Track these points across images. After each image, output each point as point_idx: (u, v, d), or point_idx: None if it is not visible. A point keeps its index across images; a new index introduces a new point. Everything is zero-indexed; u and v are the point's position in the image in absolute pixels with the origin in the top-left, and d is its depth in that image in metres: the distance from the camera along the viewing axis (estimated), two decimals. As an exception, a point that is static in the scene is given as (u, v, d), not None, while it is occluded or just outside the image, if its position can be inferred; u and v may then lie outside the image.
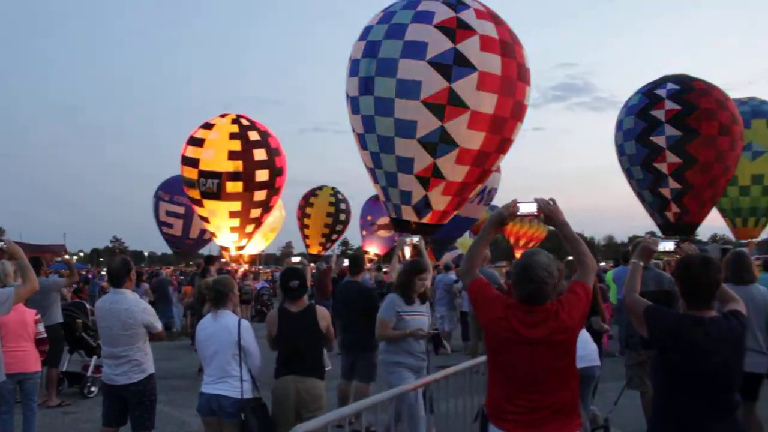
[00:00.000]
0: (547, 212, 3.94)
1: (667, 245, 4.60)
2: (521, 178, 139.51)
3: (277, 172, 20.64)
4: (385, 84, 13.97)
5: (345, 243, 67.28)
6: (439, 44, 13.74)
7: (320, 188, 33.46)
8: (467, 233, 26.34)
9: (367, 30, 14.79)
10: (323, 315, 6.23)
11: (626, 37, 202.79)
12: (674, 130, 18.93)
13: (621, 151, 20.35)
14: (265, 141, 20.56)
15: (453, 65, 13.66)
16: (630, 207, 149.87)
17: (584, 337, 6.26)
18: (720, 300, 3.99)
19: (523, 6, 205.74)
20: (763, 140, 22.49)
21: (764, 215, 23.90)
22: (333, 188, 33.50)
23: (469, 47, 13.75)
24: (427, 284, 7.08)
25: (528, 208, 3.94)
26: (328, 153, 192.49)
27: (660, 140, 19.08)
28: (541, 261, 3.73)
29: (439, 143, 13.93)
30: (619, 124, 20.41)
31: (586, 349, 6.21)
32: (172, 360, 14.16)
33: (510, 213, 4.00)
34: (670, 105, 19.07)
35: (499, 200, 27.68)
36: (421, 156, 14.06)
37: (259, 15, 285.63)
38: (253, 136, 20.40)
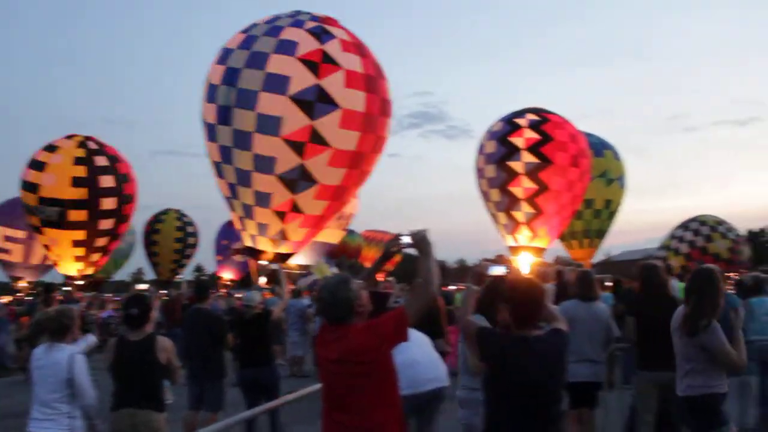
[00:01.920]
0: (420, 243, 3.98)
1: (498, 270, 4.73)
2: (378, 203, 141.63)
3: (125, 199, 18.98)
4: (244, 117, 12.88)
5: (199, 268, 64.69)
6: (302, 79, 12.78)
7: (165, 212, 31.10)
8: (322, 258, 25.63)
9: (226, 53, 13.52)
10: (164, 346, 5.84)
11: (480, 69, 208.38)
12: (531, 157, 19.26)
13: (481, 174, 20.40)
14: (113, 167, 18.70)
15: (316, 102, 12.77)
16: (481, 232, 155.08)
17: (434, 357, 6.15)
18: (545, 320, 4.13)
19: (380, 34, 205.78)
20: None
21: (596, 237, 24.74)
22: (178, 211, 31.32)
23: (333, 84, 12.88)
24: None
25: (405, 239, 4.08)
26: (183, 177, 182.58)
27: (517, 166, 19.35)
28: (336, 282, 3.90)
29: (298, 180, 13.13)
30: (481, 148, 20.48)
31: (438, 370, 6.09)
32: (4, 398, 12.91)
33: (396, 246, 4.15)
34: (528, 134, 19.45)
35: (356, 225, 27.42)
36: (279, 192, 13.22)
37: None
38: (101, 161, 18.50)
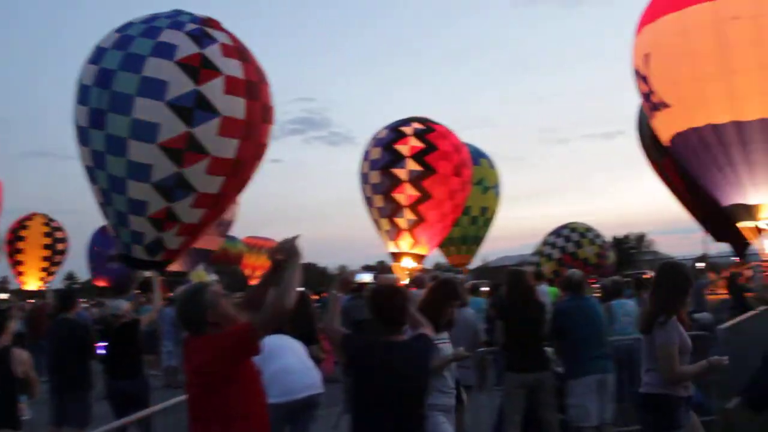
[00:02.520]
0: (286, 251, 3.81)
1: (365, 277, 4.94)
2: (260, 209, 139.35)
3: None
4: (118, 122, 12.12)
5: (71, 276, 60.73)
6: (180, 84, 12.09)
7: (30, 218, 29.11)
8: (201, 265, 25.05)
9: (100, 52, 12.61)
10: (20, 359, 5.65)
11: (363, 76, 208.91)
12: (415, 165, 19.55)
13: (365, 180, 20.52)
14: None
15: (194, 108, 12.16)
16: (363, 238, 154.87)
17: (308, 364, 6.11)
18: (411, 325, 4.15)
19: (264, 37, 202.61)
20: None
21: (473, 243, 25.39)
22: (45, 216, 29.41)
23: (213, 90, 12.28)
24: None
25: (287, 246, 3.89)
26: (56, 179, 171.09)
27: (401, 173, 19.59)
28: (186, 293, 3.80)
29: (175, 188, 12.46)
30: (366, 154, 20.61)
31: (312, 377, 6.08)
32: None
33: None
34: (413, 142, 19.74)
35: (237, 231, 26.79)
36: (155, 199, 12.52)
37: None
38: None
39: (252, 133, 12.98)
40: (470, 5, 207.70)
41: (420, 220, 19.82)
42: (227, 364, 3.62)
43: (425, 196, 19.55)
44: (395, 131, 20.18)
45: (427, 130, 20.08)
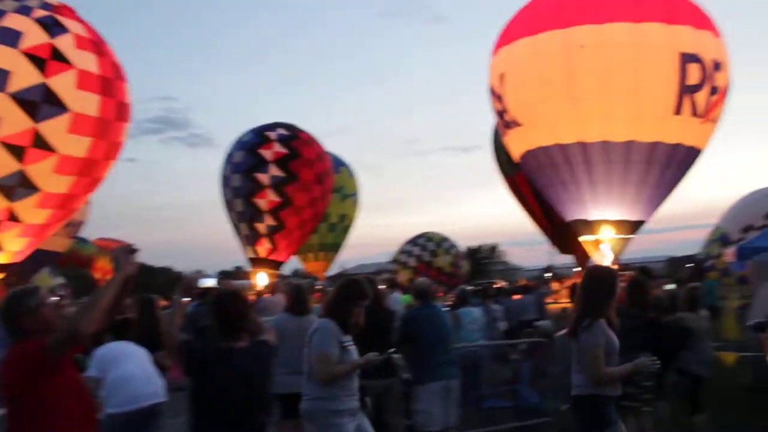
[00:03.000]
0: (116, 261, 3.56)
1: (209, 281, 4.38)
2: (112, 209, 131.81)
3: None
4: None
5: None
6: (25, 76, 11.17)
7: None
8: (47, 268, 23.41)
9: None
10: None
11: (226, 78, 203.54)
12: (278, 171, 19.37)
13: (226, 182, 20.13)
14: None
15: (41, 103, 11.28)
16: (221, 242, 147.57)
17: (151, 372, 5.79)
18: (251, 331, 4.03)
19: (122, 31, 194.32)
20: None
21: (331, 250, 25.46)
22: None
23: (63, 84, 11.41)
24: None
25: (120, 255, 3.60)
26: None
27: (263, 178, 19.36)
28: (7, 297, 3.58)
29: (17, 187, 11.54)
30: (229, 157, 20.22)
31: (155, 385, 5.75)
32: None
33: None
34: (278, 147, 19.56)
35: (87, 232, 25.16)
36: None
37: None
38: None
39: (106, 132, 12.24)
40: (338, 14, 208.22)
41: (280, 226, 19.61)
42: (17, 379, 3.34)
43: (286, 202, 19.38)
44: (260, 135, 19.89)
45: (292, 136, 19.93)
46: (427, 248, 23.26)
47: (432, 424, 6.68)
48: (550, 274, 24.36)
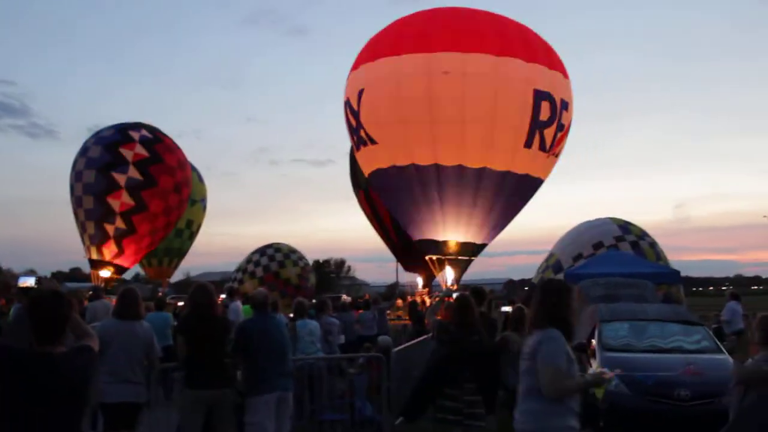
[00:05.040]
0: None
1: (29, 280, 3.74)
2: None
3: None
4: None
5: None
6: None
7: None
8: None
9: None
10: None
11: (75, 69, 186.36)
12: (137, 174, 18.06)
13: (78, 177, 18.43)
14: None
15: None
16: (58, 242, 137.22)
17: None
18: (74, 334, 3.69)
19: None
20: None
21: (176, 256, 24.30)
22: None
23: None
24: None
25: None
26: None
27: (121, 178, 17.95)
28: None
29: None
30: (84, 150, 18.59)
31: None
32: None
33: None
34: (139, 149, 18.22)
35: None
36: None
37: None
38: None
39: None
40: (201, 17, 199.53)
41: (131, 230, 18.21)
42: None
43: (141, 206, 18.08)
44: (122, 133, 18.44)
45: (155, 140, 18.65)
46: (275, 259, 22.55)
47: None
48: (394, 291, 24.50)
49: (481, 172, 15.72)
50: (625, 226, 16.19)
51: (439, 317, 7.96)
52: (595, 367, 7.98)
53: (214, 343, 6.25)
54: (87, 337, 3.74)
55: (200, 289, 6.46)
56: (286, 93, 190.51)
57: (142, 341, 6.14)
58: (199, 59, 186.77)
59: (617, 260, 12.82)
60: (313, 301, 11.70)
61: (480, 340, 6.00)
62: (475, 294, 7.49)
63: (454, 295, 12.49)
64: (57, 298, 3.57)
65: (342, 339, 10.39)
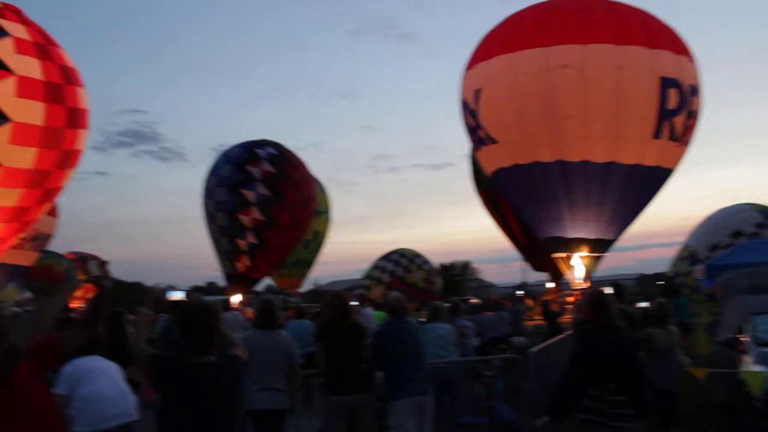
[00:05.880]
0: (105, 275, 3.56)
1: (177, 294, 3.89)
2: (83, 222, 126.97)
3: None
4: None
5: None
6: None
7: None
8: (14, 283, 22.37)
9: None
10: None
11: (196, 93, 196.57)
12: (265, 190, 18.50)
13: (210, 195, 19.17)
14: None
15: None
16: (193, 258, 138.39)
17: (123, 389, 5.36)
18: (220, 346, 3.80)
19: (91, 44, 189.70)
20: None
21: (305, 266, 24.78)
22: None
23: (2, 92, 10.35)
24: None
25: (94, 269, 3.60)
26: None
27: (250, 195, 18.45)
28: None
29: None
30: (215, 169, 19.31)
31: (126, 403, 5.32)
32: None
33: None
34: (266, 166, 18.69)
35: (56, 246, 23.83)
36: None
37: None
38: None
39: (55, 141, 11.10)
40: (309, 33, 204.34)
41: (262, 244, 18.63)
42: None
43: (271, 222, 18.47)
44: (248, 151, 18.97)
45: (281, 157, 19.09)
46: (400, 264, 22.65)
47: None
48: (522, 292, 23.95)
49: (609, 167, 15.04)
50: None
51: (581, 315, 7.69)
52: (748, 362, 7.49)
53: (352, 350, 6.31)
54: (234, 347, 3.85)
55: (336, 297, 6.53)
56: (400, 99, 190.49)
57: (283, 349, 6.27)
58: (313, 73, 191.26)
59: (762, 248, 11.93)
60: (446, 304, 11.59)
61: (620, 338, 5.70)
62: (613, 289, 7.17)
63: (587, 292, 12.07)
64: (207, 311, 3.73)
65: (477, 341, 10.23)
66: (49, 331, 3.30)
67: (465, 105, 16.57)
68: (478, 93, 15.93)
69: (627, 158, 15.13)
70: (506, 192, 17.39)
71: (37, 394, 3.36)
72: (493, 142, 15.96)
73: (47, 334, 3.38)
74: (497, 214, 20.63)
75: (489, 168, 16.94)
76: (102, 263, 3.55)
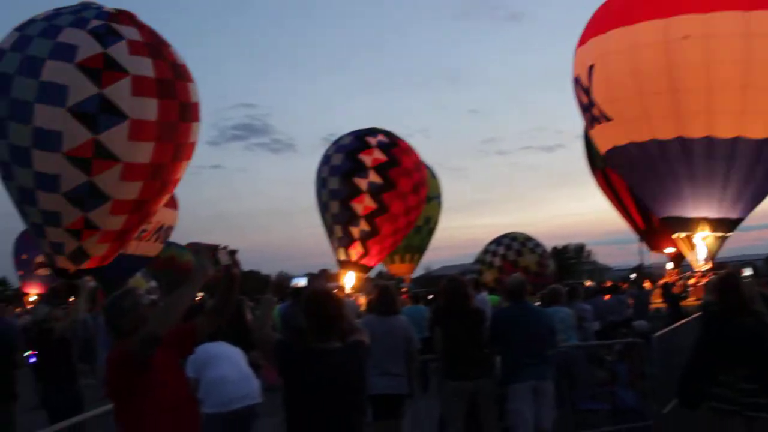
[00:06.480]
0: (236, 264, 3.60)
1: (301, 281, 4.25)
2: (200, 215, 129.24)
3: None
4: (19, 131, 10.60)
5: (3, 282, 57.30)
6: (81, 89, 10.49)
7: None
8: (140, 272, 23.11)
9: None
10: None
11: (304, 84, 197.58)
12: (377, 178, 18.51)
13: (323, 184, 19.32)
14: None
15: (99, 114, 10.60)
16: (306, 247, 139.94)
17: (246, 373, 5.59)
18: (344, 332, 3.76)
19: (203, 42, 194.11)
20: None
21: (417, 252, 24.62)
22: None
23: (119, 92, 10.67)
24: None
25: (224, 258, 3.59)
26: None
27: (362, 183, 18.52)
28: (110, 299, 3.56)
29: (87, 197, 10.98)
30: (327, 159, 19.44)
31: (250, 386, 5.54)
32: None
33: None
34: (377, 154, 18.70)
35: (177, 237, 24.37)
36: (68, 210, 11.08)
37: None
38: None
39: (169, 134, 11.43)
40: (412, 19, 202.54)
41: (374, 231, 18.69)
42: (113, 377, 3.32)
43: (382, 209, 18.47)
44: (360, 140, 19.04)
45: (391, 144, 19.04)
46: (512, 248, 22.16)
47: (523, 425, 6.16)
48: (634, 275, 22.90)
49: (735, 142, 14.03)
50: None
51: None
52: None
53: (471, 335, 6.23)
54: (358, 332, 3.81)
55: (453, 282, 6.47)
56: (508, 81, 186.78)
57: (402, 335, 6.27)
58: (419, 59, 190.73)
59: None
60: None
61: (756, 323, 5.32)
62: (752, 271, 6.78)
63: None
64: (331, 298, 3.70)
65: (597, 325, 9.90)
66: (182, 318, 3.32)
67: (577, 82, 15.94)
68: (591, 69, 15.25)
69: (755, 132, 14.08)
70: (622, 171, 16.68)
71: (175, 379, 3.52)
72: (608, 119, 15.27)
73: (181, 322, 3.40)
74: (612, 194, 19.88)
75: (603, 147, 16.27)
76: (232, 252, 3.57)
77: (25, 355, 8.11)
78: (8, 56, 10.84)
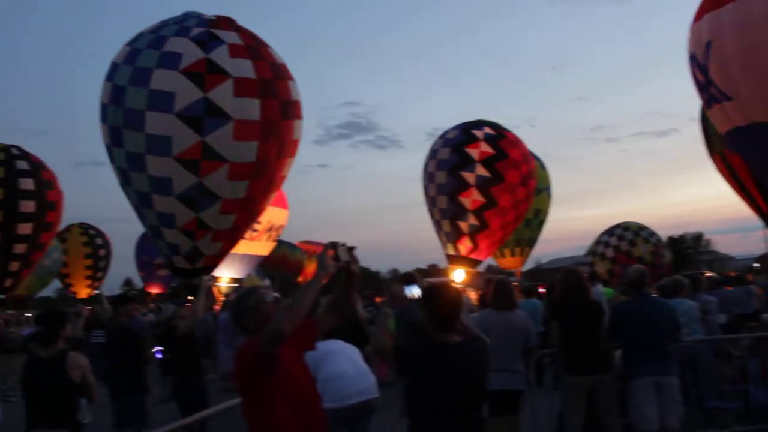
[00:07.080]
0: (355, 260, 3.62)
1: (415, 291, 4.18)
2: (308, 214, 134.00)
3: (47, 206, 16.76)
4: (133, 138, 11.20)
5: (128, 282, 60.02)
6: (187, 94, 10.93)
7: (68, 229, 26.43)
8: (253, 271, 23.27)
9: (114, 68, 11.66)
10: (76, 362, 5.30)
11: (406, 79, 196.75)
12: (484, 171, 18.07)
13: (431, 178, 18.98)
14: (35, 172, 16.63)
15: (204, 116, 11.01)
16: (414, 242, 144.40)
17: (363, 368, 5.78)
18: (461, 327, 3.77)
19: (306, 44, 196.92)
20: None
21: (527, 245, 24.03)
22: (81, 224, 27.36)
23: (222, 95, 11.05)
24: None
25: (344, 255, 3.60)
26: (107, 188, 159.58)
27: (470, 177, 18.09)
28: (236, 296, 3.81)
29: (198, 198, 11.45)
30: (433, 153, 19.11)
31: (367, 381, 5.72)
32: None
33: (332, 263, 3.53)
34: (484, 147, 18.28)
35: (287, 236, 25.12)
36: (181, 211, 11.58)
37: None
38: (22, 165, 16.50)
39: (272, 133, 11.74)
40: (509, 8, 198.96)
41: (483, 226, 18.28)
42: (241, 373, 3.46)
43: (491, 202, 18.04)
44: (466, 133, 18.62)
45: (498, 136, 18.56)
46: (624, 238, 21.19)
47: (645, 422, 5.90)
48: (758, 264, 21.41)
49: None
50: None
51: None
52: None
53: (589, 328, 6.05)
54: (469, 330, 3.79)
55: (570, 274, 6.29)
56: (615, 65, 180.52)
57: (521, 330, 6.17)
58: (521, 47, 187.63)
59: None
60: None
61: None
62: None
63: None
64: (451, 290, 3.70)
65: (722, 318, 9.34)
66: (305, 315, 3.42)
67: (693, 59, 14.94)
68: (708, 45, 14.22)
69: None
70: (743, 154, 15.59)
71: (300, 375, 3.59)
72: (727, 99, 14.21)
73: (304, 319, 3.49)
74: (733, 178, 18.67)
75: (722, 128, 15.19)
76: (350, 248, 3.59)
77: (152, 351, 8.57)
78: (121, 69, 11.45)
